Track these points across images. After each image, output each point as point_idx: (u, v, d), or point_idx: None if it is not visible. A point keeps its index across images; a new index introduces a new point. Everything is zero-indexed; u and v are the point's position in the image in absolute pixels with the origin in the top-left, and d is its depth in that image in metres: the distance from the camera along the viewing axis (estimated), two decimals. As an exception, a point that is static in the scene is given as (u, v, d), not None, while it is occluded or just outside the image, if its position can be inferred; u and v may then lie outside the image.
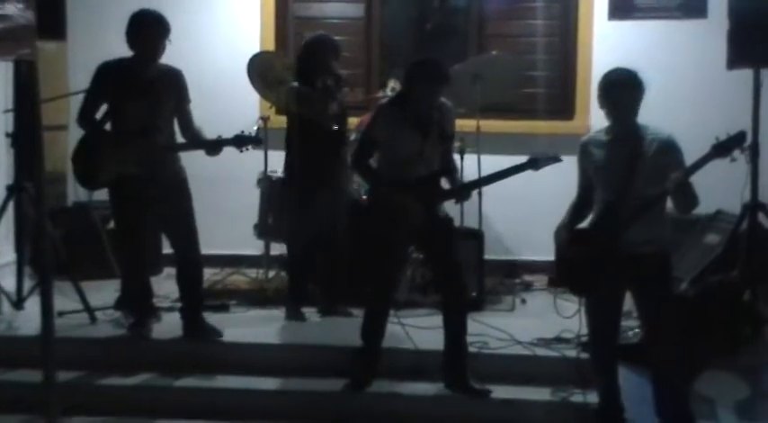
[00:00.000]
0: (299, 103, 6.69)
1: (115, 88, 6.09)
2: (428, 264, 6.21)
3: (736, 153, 4.68)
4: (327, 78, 6.71)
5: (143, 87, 6.02)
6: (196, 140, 6.15)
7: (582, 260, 5.02)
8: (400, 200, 5.55)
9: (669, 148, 4.86)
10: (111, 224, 7.24)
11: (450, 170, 5.82)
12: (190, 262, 6.26)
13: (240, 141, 6.00)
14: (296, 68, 6.92)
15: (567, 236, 5.12)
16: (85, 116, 6.16)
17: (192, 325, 6.23)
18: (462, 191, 5.83)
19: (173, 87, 6.14)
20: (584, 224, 5.13)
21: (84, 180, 6.31)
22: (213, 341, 6.17)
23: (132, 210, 6.16)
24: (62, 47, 8.16)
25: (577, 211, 5.18)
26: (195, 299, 6.31)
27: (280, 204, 7.25)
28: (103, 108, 6.20)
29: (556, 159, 5.63)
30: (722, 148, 4.64)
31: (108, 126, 6.18)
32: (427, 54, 6.36)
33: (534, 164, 5.64)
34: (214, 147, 6.05)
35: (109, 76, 6.12)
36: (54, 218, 6.96)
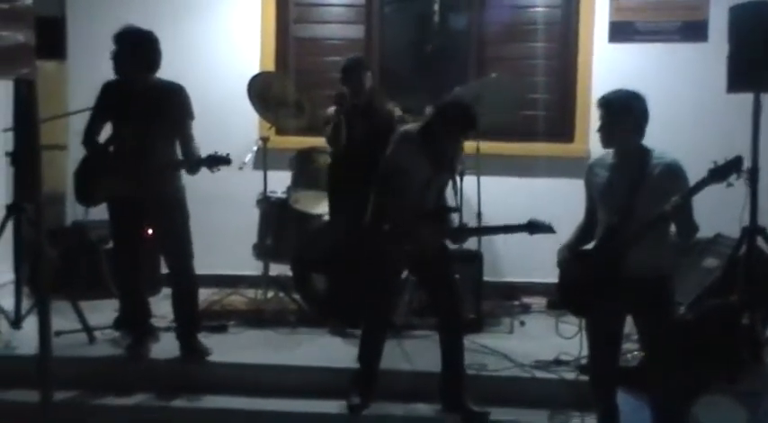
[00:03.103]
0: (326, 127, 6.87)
1: (113, 107, 6.11)
2: (423, 287, 6.19)
3: (733, 178, 4.66)
4: (355, 99, 6.82)
5: (137, 105, 6.01)
6: (175, 160, 6.15)
7: (583, 282, 5.01)
8: (406, 229, 5.57)
9: (673, 173, 4.82)
10: (110, 244, 7.26)
11: (451, 209, 5.87)
12: (183, 281, 6.25)
13: (212, 161, 5.95)
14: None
15: (569, 255, 5.11)
16: (87, 136, 6.18)
17: (184, 345, 6.23)
18: (460, 235, 5.94)
19: (169, 103, 6.08)
20: (589, 246, 5.13)
21: (81, 197, 6.32)
22: (203, 362, 6.16)
23: (128, 229, 6.17)
24: (62, 66, 8.19)
25: (583, 232, 5.17)
26: (187, 318, 6.29)
27: (279, 225, 7.27)
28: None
29: (550, 230, 5.64)
30: (719, 173, 4.62)
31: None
32: (452, 96, 6.57)
33: (530, 228, 5.67)
34: (191, 166, 6.03)
35: (108, 96, 6.14)
36: (52, 237, 6.97)
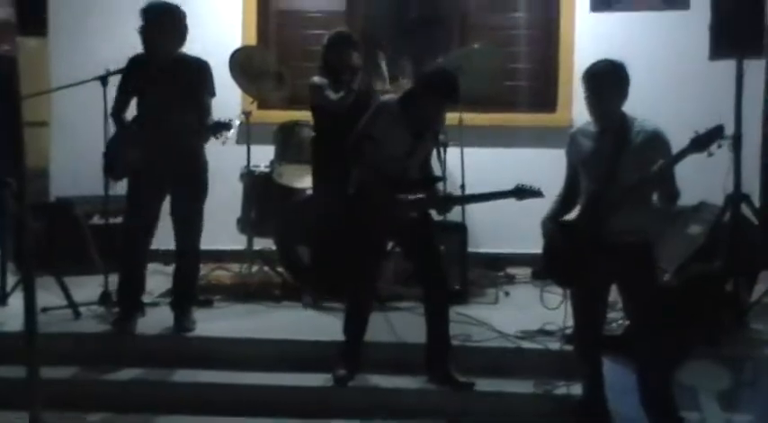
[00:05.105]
0: (315, 96, 6.83)
1: (139, 81, 6.11)
2: (408, 258, 6.18)
3: (714, 148, 4.68)
4: (345, 72, 6.77)
5: (162, 80, 6.02)
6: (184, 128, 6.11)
7: (567, 252, 5.03)
8: (387, 199, 5.56)
9: (655, 140, 4.86)
10: (95, 219, 7.25)
11: (436, 179, 5.86)
12: (189, 255, 6.28)
13: (216, 128, 5.93)
14: (321, 64, 7.00)
15: (553, 227, 5.13)
16: (113, 111, 6.20)
17: (179, 318, 6.22)
18: (446, 204, 5.93)
19: (194, 79, 6.09)
20: (571, 216, 5.14)
21: (109, 171, 6.29)
22: (189, 336, 6.18)
23: (146, 201, 6.17)
24: (43, 43, 8.14)
25: (564, 202, 5.19)
26: (187, 292, 6.31)
27: (263, 199, 7.27)
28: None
29: (539, 194, 5.64)
30: (700, 143, 4.65)
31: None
32: (437, 64, 6.61)
33: (518, 193, 5.67)
34: (199, 134, 6.04)
35: (131, 70, 6.15)
36: (36, 212, 6.94)
